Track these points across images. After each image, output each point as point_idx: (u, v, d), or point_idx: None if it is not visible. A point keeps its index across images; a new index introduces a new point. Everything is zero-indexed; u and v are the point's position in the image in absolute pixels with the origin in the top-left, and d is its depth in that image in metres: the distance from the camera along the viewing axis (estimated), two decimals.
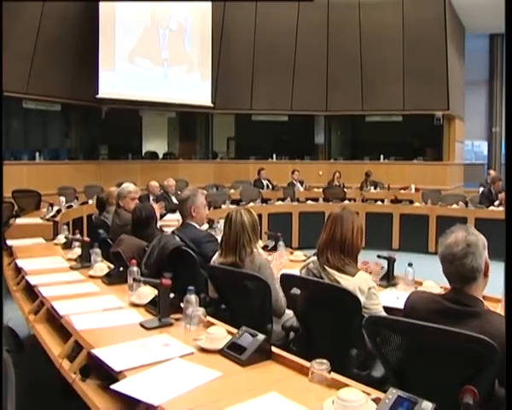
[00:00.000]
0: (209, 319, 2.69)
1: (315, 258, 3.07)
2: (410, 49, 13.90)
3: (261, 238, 5.71)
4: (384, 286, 3.78)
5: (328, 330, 2.86)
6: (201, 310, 2.63)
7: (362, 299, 2.77)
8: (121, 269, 3.56)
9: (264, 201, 10.46)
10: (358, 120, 15.55)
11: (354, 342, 2.69)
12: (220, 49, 14.19)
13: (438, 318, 2.10)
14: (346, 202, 10.21)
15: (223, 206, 9.26)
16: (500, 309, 3.11)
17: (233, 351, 2.28)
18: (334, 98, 14.51)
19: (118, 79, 12.49)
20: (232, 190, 11.20)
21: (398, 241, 9.70)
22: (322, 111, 14.97)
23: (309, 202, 10.47)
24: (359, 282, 2.84)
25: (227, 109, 14.65)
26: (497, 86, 18.13)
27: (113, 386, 2.00)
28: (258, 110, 14.85)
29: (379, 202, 10.25)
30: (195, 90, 13.81)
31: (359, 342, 2.66)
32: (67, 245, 4.98)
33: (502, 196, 9.70)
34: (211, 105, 14.09)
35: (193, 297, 2.62)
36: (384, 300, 3.16)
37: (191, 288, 2.64)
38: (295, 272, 3.25)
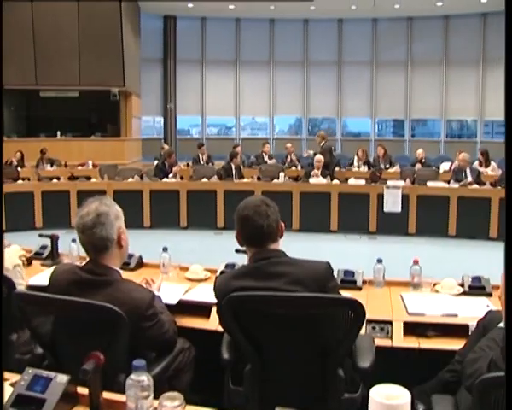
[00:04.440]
0: None
1: None
2: (86, 23, 13.71)
3: None
4: (48, 265, 3.73)
5: None
6: None
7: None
8: None
9: None
10: (33, 95, 14.71)
11: (11, 329, 2.59)
12: None
13: (75, 289, 2.14)
14: (20, 181, 9.70)
15: None
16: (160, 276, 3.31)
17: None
18: (5, 71, 13.42)
19: None
20: None
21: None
22: None
23: None
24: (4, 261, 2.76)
25: None
26: (170, 65, 18.86)
27: None
28: None
29: (55, 180, 9.94)
30: None
31: (19, 327, 2.58)
32: None
33: (176, 169, 10.12)
34: None
35: None
36: (44, 279, 3.08)
37: None
38: None
